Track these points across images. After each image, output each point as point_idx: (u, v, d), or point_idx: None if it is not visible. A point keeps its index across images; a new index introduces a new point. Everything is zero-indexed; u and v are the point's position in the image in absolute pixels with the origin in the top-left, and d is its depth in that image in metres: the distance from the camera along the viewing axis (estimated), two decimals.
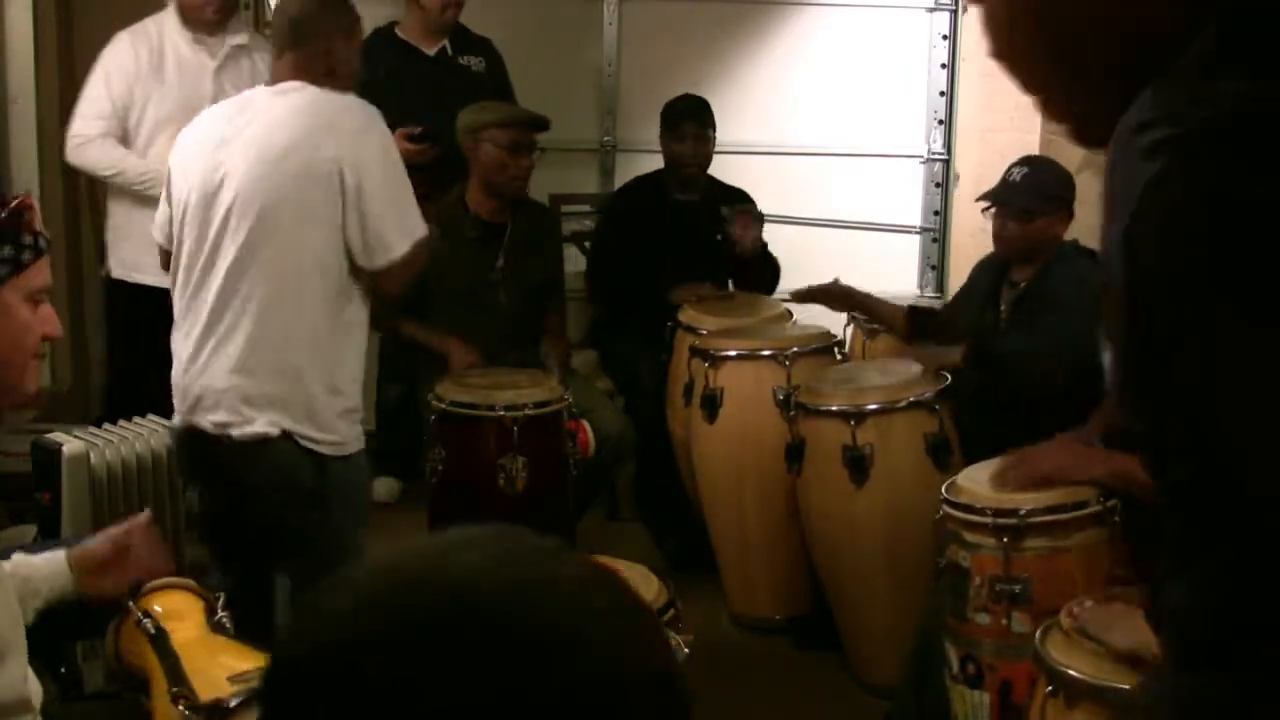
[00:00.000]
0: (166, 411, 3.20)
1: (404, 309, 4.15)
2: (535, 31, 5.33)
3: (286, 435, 2.85)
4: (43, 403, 4.27)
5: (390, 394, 4.83)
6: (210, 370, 2.88)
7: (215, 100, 3.72)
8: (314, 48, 2.93)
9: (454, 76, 4.70)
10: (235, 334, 2.85)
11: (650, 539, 4.34)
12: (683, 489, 4.20)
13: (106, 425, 3.56)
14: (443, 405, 3.56)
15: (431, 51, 4.77)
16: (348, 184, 2.79)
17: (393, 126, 4.56)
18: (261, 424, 2.84)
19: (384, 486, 4.88)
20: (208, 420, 2.89)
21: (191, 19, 4.17)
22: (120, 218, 4.26)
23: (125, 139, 4.13)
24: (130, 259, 4.18)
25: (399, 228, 2.87)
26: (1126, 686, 2.02)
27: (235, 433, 2.86)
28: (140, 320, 3.91)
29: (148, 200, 3.75)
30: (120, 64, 4.13)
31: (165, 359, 3.05)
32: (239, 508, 2.99)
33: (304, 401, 2.85)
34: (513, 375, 3.77)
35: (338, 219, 2.81)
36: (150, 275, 3.77)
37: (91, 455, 3.32)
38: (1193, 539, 0.97)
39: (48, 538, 3.30)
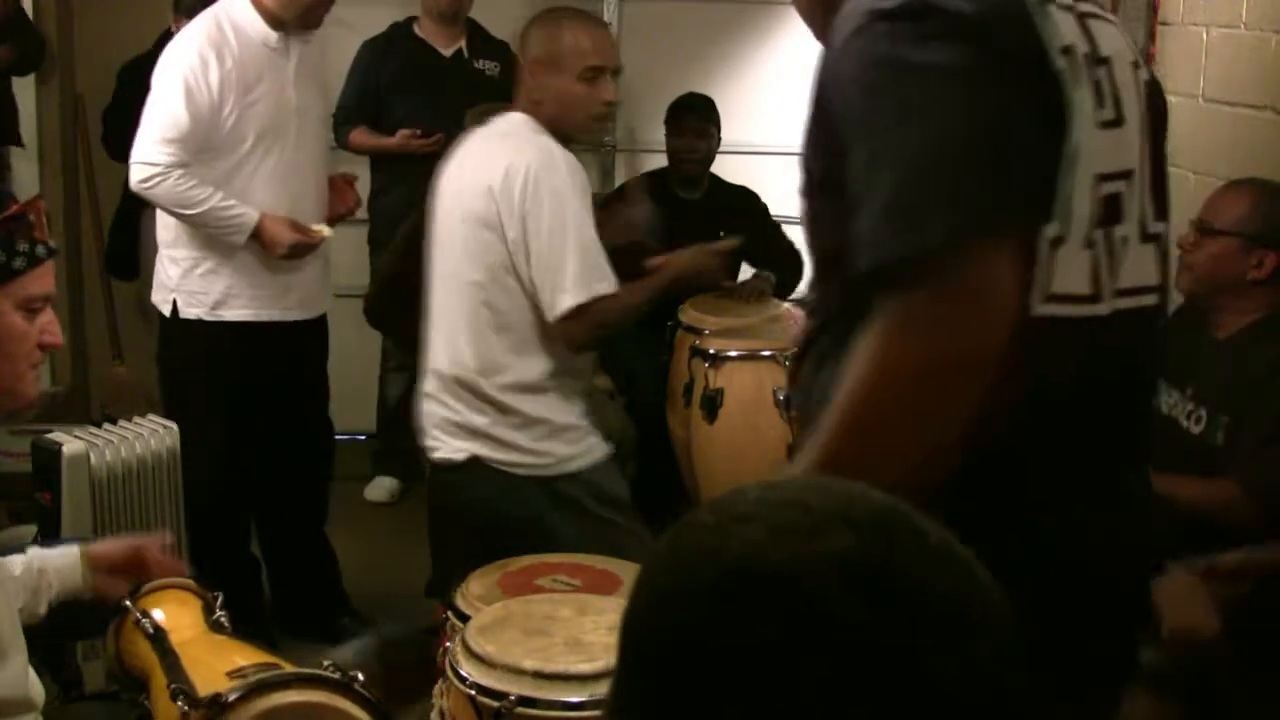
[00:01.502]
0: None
1: (406, 309, 4.15)
2: None
3: (476, 460, 2.89)
4: (43, 403, 4.28)
5: (391, 393, 4.83)
6: (421, 396, 3.02)
7: (297, 108, 3.54)
8: (521, 75, 2.94)
9: (467, 79, 4.70)
10: (431, 361, 2.99)
11: (650, 539, 4.33)
12: (683, 489, 4.20)
13: (106, 425, 3.56)
14: None
15: (448, 52, 4.77)
16: (509, 237, 2.81)
17: (401, 123, 4.61)
18: (450, 449, 2.91)
19: (383, 486, 4.89)
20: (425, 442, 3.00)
21: (292, 17, 3.51)
22: (201, 249, 3.53)
23: (208, 149, 3.44)
24: (219, 294, 3.55)
25: (554, 287, 2.78)
26: None
27: (434, 456, 2.95)
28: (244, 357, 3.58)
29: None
30: (200, 73, 3.40)
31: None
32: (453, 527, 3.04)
33: (482, 425, 2.88)
34: None
35: (506, 262, 2.83)
36: (241, 310, 3.55)
37: (91, 455, 3.32)
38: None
39: (48, 538, 3.30)
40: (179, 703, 1.82)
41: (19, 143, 4.98)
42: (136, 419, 3.59)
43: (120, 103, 4.71)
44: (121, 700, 2.32)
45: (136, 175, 3.43)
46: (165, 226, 3.59)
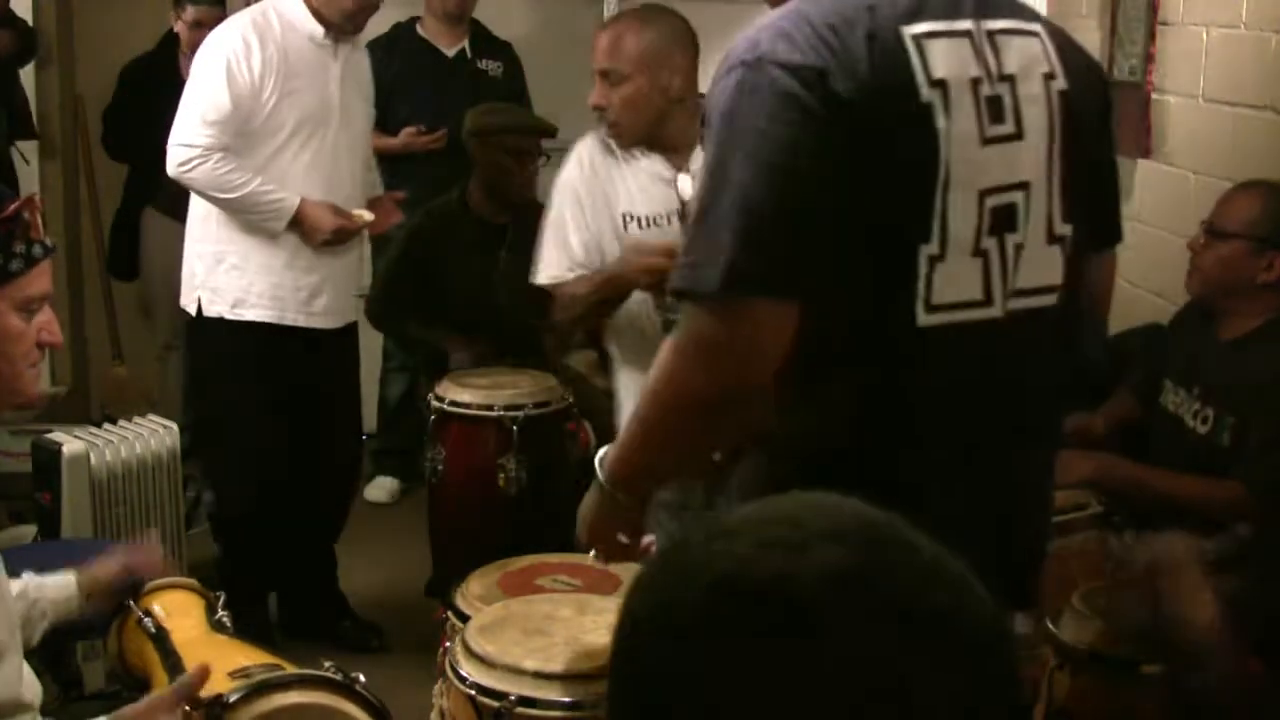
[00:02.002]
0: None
1: (407, 310, 4.15)
2: (535, 32, 5.33)
3: None
4: (43, 403, 4.28)
5: (391, 393, 4.84)
6: None
7: (341, 109, 3.50)
8: None
9: (469, 80, 4.70)
10: None
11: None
12: None
13: (106, 425, 3.56)
14: (443, 405, 3.56)
15: (450, 52, 4.78)
16: None
17: (404, 123, 4.61)
18: None
19: (383, 486, 4.88)
20: None
21: (334, 17, 3.46)
22: (225, 244, 3.48)
23: (246, 134, 3.38)
24: (240, 292, 3.49)
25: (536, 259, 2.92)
26: (1125, 655, 2.16)
27: None
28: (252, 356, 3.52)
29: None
30: (241, 56, 3.35)
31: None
32: None
33: None
34: (513, 375, 3.77)
35: None
36: (263, 311, 3.48)
37: (91, 455, 3.33)
38: None
39: (48, 538, 3.31)
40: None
41: (34, 135, 4.98)
42: (136, 419, 3.59)
43: (120, 103, 4.71)
44: (122, 700, 2.31)
45: (175, 158, 3.35)
46: (193, 221, 3.53)
